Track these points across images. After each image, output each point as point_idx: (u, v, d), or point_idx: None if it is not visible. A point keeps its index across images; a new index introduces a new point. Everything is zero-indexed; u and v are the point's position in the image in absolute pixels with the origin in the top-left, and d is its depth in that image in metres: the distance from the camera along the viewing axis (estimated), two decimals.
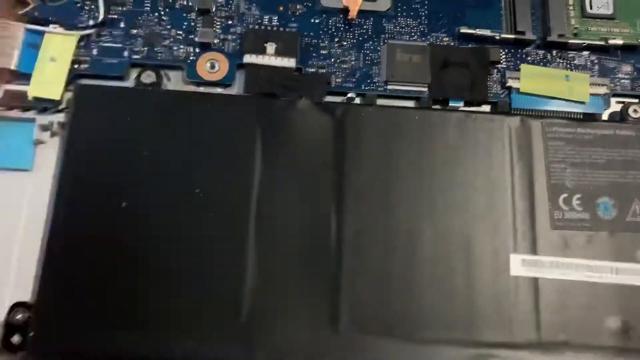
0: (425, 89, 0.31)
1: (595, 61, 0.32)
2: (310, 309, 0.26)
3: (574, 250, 0.28)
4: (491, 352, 0.26)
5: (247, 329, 0.26)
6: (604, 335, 0.27)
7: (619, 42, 0.31)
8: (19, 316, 0.26)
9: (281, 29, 0.31)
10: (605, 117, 0.31)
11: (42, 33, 0.30)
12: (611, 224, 0.29)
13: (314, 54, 0.31)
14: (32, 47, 0.30)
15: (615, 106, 0.31)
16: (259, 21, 0.31)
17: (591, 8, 0.32)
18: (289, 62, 0.30)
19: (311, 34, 0.31)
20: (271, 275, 0.27)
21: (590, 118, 0.31)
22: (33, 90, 0.29)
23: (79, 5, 0.31)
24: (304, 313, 0.26)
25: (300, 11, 0.31)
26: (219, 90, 0.30)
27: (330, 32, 0.31)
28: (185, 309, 0.26)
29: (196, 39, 0.30)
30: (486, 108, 0.31)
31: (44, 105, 0.29)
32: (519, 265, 0.28)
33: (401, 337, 0.26)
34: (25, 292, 0.27)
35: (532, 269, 0.28)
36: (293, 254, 0.27)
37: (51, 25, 0.30)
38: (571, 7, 0.32)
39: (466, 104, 0.31)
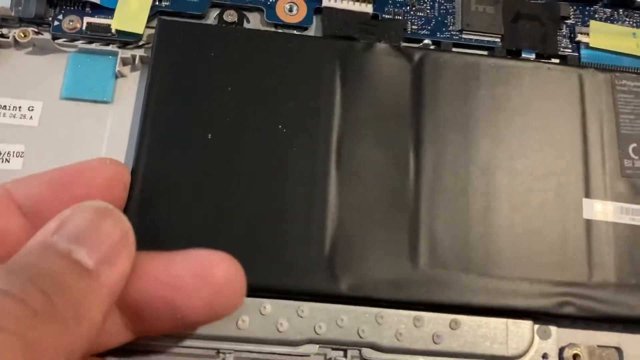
0: (499, 40, 0.31)
1: None
2: (391, 244, 0.27)
3: None
4: (563, 289, 0.27)
5: (330, 260, 0.26)
6: None
7: None
8: None
9: None
10: None
11: None
12: None
13: (390, 1, 0.31)
14: None
15: None
16: None
17: None
18: (367, 8, 0.31)
19: None
20: (352, 211, 0.27)
21: None
22: (116, 23, 0.29)
23: None
24: (385, 248, 0.27)
25: None
26: (295, 32, 0.31)
27: None
28: (269, 240, 0.26)
29: None
30: (556, 61, 0.32)
31: (126, 39, 0.29)
32: (590, 209, 0.28)
33: (477, 273, 0.27)
34: None
35: (603, 213, 0.28)
36: (373, 191, 0.28)
37: None
38: None
39: (537, 57, 0.31)
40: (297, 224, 0.27)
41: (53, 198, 0.20)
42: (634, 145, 0.30)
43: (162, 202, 0.27)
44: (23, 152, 0.28)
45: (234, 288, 0.20)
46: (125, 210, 0.26)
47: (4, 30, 0.29)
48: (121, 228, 0.19)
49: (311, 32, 0.31)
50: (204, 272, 0.19)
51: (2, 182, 0.21)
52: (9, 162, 0.28)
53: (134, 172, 0.27)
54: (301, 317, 0.26)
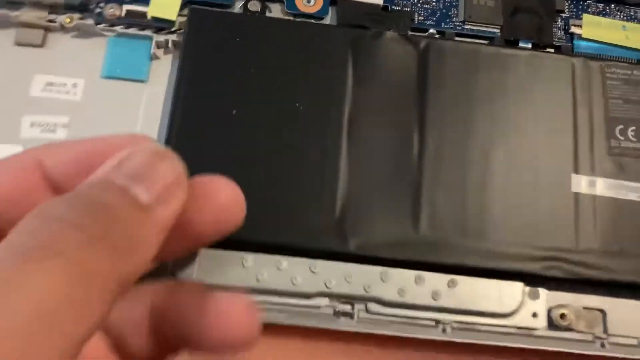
0: (498, 31, 0.34)
1: None
2: (395, 210, 0.30)
3: (628, 174, 0.32)
4: (552, 254, 0.30)
5: (340, 223, 0.29)
6: None
7: None
8: None
9: None
10: None
11: None
12: None
13: None
14: None
15: None
16: None
17: None
18: (377, 0, 0.34)
19: None
20: (361, 180, 0.30)
21: None
22: (152, 10, 0.33)
23: None
24: (389, 213, 0.30)
25: None
26: (312, 22, 0.34)
27: None
28: (287, 204, 0.30)
29: None
30: (551, 51, 0.34)
31: (160, 25, 0.33)
32: (578, 183, 0.31)
33: (473, 237, 0.30)
34: None
35: (590, 187, 0.31)
36: (380, 162, 0.31)
37: None
38: None
39: (533, 46, 0.34)
40: (311, 191, 0.30)
41: (83, 174, 0.20)
42: (621, 127, 0.32)
43: (192, 171, 0.30)
44: (68, 124, 0.32)
45: (236, 205, 0.23)
46: None
47: (52, 16, 0.33)
48: (176, 170, 0.20)
49: (327, 21, 0.34)
50: (211, 193, 0.22)
51: (34, 148, 0.21)
52: (54, 132, 0.31)
53: (166, 143, 0.30)
54: (314, 272, 0.29)
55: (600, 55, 0.34)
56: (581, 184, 0.31)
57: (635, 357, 0.30)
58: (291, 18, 0.34)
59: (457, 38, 0.34)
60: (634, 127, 0.32)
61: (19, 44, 0.33)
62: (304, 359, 0.30)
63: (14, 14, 0.32)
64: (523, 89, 0.32)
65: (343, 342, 0.31)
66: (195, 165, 0.30)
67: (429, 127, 0.31)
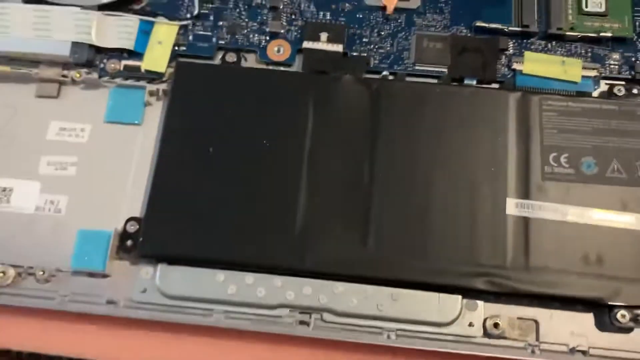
0: (446, 70, 0.38)
1: (589, 50, 0.39)
2: (347, 232, 0.35)
3: (560, 197, 0.35)
4: (487, 270, 0.34)
5: (299, 244, 0.34)
6: (578, 263, 0.34)
7: (609, 34, 0.38)
8: (131, 227, 0.36)
9: (332, 21, 0.39)
10: (595, 95, 0.38)
11: (152, 23, 0.40)
12: (593, 179, 0.35)
13: (357, 42, 0.39)
14: (144, 33, 0.39)
15: (604, 87, 0.38)
16: (316, 16, 0.40)
17: (586, 6, 0.39)
18: (338, 47, 0.39)
19: (356, 26, 0.39)
20: (317, 206, 0.35)
21: (582, 95, 0.38)
22: (145, 64, 0.39)
23: (179, 2, 0.40)
24: (341, 235, 0.34)
25: (348, 8, 0.40)
26: (282, 69, 0.39)
27: (371, 24, 0.40)
28: (254, 228, 0.35)
29: (267, 29, 0.39)
30: (495, 86, 0.38)
31: (152, 77, 0.39)
32: (513, 206, 0.35)
33: (416, 255, 0.34)
34: (136, 210, 0.36)
35: (523, 210, 0.35)
36: (335, 190, 0.35)
37: (159, 17, 0.40)
38: (569, 5, 0.39)
39: (478, 83, 0.38)
40: (275, 216, 0.35)
41: None
42: (554, 154, 0.36)
43: (175, 199, 0.36)
44: (76, 162, 0.38)
45: None
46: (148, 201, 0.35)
47: (65, 72, 0.39)
48: None
49: (295, 67, 0.39)
50: None
51: None
52: (66, 169, 0.38)
53: (155, 175, 0.36)
54: (276, 287, 0.34)
55: (540, 88, 0.38)
56: (515, 207, 0.35)
57: None
58: (264, 66, 0.39)
59: (408, 78, 0.38)
60: (566, 155, 0.36)
61: (39, 96, 0.39)
62: None
63: (34, 71, 0.39)
64: (466, 121, 0.36)
65: (307, 347, 0.35)
66: (177, 194, 0.36)
67: (378, 158, 0.36)
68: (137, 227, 0.35)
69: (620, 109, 0.37)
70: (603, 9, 0.39)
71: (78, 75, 0.39)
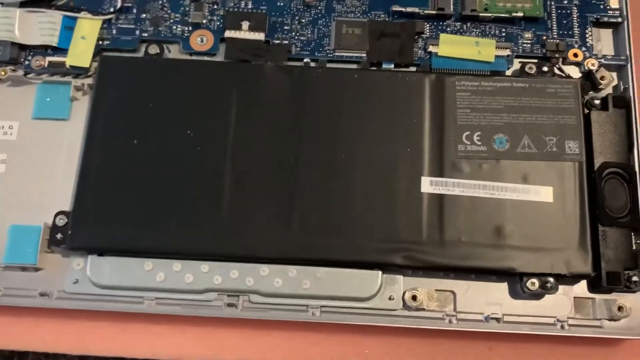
0: (364, 55, 0.39)
1: (502, 30, 0.40)
2: (272, 217, 0.36)
3: (473, 174, 0.36)
4: (405, 246, 0.35)
5: (224, 230, 0.35)
6: (490, 236, 0.35)
7: (521, 14, 0.40)
8: (60, 221, 0.36)
9: (254, 10, 0.40)
10: (509, 73, 0.39)
11: (75, 18, 0.40)
12: (504, 154, 0.37)
13: (279, 30, 0.40)
14: (68, 29, 0.40)
15: (518, 66, 0.40)
16: (237, 5, 0.40)
17: None
18: (259, 36, 0.40)
19: (277, 14, 0.40)
20: (242, 192, 0.36)
21: (496, 74, 0.39)
22: (69, 60, 0.39)
23: None
24: (267, 219, 0.36)
25: None
26: (206, 58, 0.40)
27: (292, 12, 0.40)
28: (180, 215, 0.36)
29: (189, 20, 0.40)
30: (412, 69, 0.39)
31: (78, 72, 0.39)
32: (428, 184, 0.36)
33: (336, 234, 0.35)
34: (66, 204, 0.37)
35: (437, 187, 0.36)
36: (259, 176, 0.36)
37: (82, 12, 0.40)
38: None
39: (396, 66, 0.39)
40: (200, 205, 0.36)
41: None
42: (467, 133, 0.37)
43: (103, 193, 0.36)
44: (5, 159, 0.38)
45: None
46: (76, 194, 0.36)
47: None
48: None
49: (218, 57, 0.40)
50: None
51: None
52: None
53: (81, 169, 0.36)
54: (203, 272, 0.35)
55: (456, 70, 0.39)
56: (430, 184, 0.36)
57: (479, 329, 0.35)
58: (187, 57, 0.40)
59: (328, 64, 0.40)
60: (479, 133, 0.37)
61: None
62: (205, 344, 0.36)
63: None
64: (384, 105, 0.38)
65: (237, 328, 0.37)
66: (104, 187, 0.37)
67: (301, 144, 0.37)
68: (66, 220, 0.36)
69: (531, 86, 0.38)
70: None
71: (3, 72, 0.39)
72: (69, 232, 0.36)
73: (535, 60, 0.40)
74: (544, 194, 0.36)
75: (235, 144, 0.37)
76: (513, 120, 0.38)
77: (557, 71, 0.39)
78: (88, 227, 0.36)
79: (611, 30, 0.41)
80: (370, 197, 0.36)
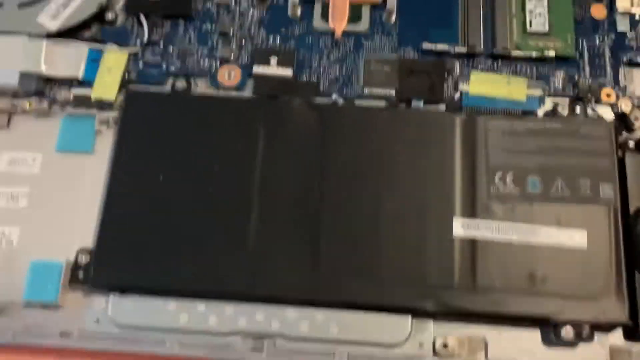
0: (394, 92, 0.39)
1: (534, 69, 0.39)
2: (298, 258, 0.35)
3: (506, 216, 0.36)
4: (435, 290, 0.34)
5: (250, 269, 0.34)
6: (524, 281, 0.34)
7: (552, 53, 0.39)
8: (82, 258, 0.36)
9: (282, 46, 0.40)
10: (540, 113, 0.39)
11: (101, 51, 0.40)
12: (537, 197, 0.36)
13: (307, 66, 0.40)
14: (94, 61, 0.39)
15: (550, 105, 0.39)
16: (266, 40, 0.40)
17: (530, 26, 0.40)
18: (288, 72, 0.39)
19: (306, 50, 0.40)
20: (268, 231, 0.35)
21: (527, 114, 0.38)
22: (95, 93, 0.39)
23: (129, 29, 0.40)
24: (293, 260, 0.35)
25: (297, 32, 0.40)
26: (233, 93, 0.39)
27: (320, 48, 0.40)
28: (205, 254, 0.35)
29: (217, 55, 0.40)
30: (442, 107, 0.39)
31: (103, 105, 0.39)
32: (459, 227, 0.35)
33: (365, 277, 0.34)
34: (88, 240, 0.36)
35: (470, 230, 0.35)
36: (285, 215, 0.36)
37: (109, 44, 0.40)
38: (514, 25, 0.40)
39: (425, 104, 0.39)
40: (225, 243, 0.35)
41: None
42: (500, 174, 0.36)
43: (127, 228, 0.36)
44: (28, 193, 0.38)
45: None
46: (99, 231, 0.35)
47: (15, 102, 0.39)
48: None
49: (246, 92, 0.39)
50: None
51: None
52: (17, 201, 0.38)
53: (105, 205, 0.36)
54: (227, 314, 0.34)
55: (487, 108, 0.38)
56: (461, 227, 0.35)
57: None
58: (215, 91, 0.39)
59: (357, 101, 0.39)
60: (512, 174, 0.36)
61: None
62: None
63: None
64: (413, 144, 0.37)
65: None
66: (127, 224, 0.36)
67: (328, 182, 0.36)
68: (89, 257, 0.35)
69: (563, 128, 0.37)
70: (546, 29, 0.40)
71: (28, 104, 0.39)
72: (91, 269, 0.35)
73: (568, 101, 0.39)
74: (578, 238, 0.35)
75: (262, 181, 0.36)
76: (546, 162, 0.37)
77: (590, 112, 0.39)
78: (111, 265, 0.35)
79: None
80: (399, 239, 0.35)
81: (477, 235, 0.35)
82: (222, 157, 0.37)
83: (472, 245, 0.35)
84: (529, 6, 0.40)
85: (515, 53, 0.39)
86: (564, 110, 0.38)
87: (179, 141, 0.37)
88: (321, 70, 0.40)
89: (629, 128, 0.38)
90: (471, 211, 0.36)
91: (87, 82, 0.39)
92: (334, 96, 0.39)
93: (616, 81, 0.39)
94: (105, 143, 0.39)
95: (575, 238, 0.35)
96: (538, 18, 0.40)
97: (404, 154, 0.37)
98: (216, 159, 0.37)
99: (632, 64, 0.40)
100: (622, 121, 0.39)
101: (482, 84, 0.39)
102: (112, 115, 0.39)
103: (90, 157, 0.38)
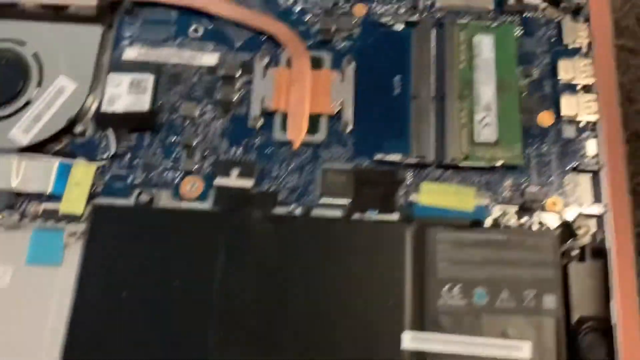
0: (349, 202, 0.41)
1: (483, 177, 0.41)
2: None
3: (453, 328, 0.37)
4: None
5: None
6: None
7: (500, 163, 0.41)
8: None
9: (244, 157, 0.42)
10: (488, 222, 0.40)
11: (70, 164, 0.42)
12: (484, 309, 0.38)
13: (267, 176, 0.41)
14: (64, 174, 0.41)
15: (498, 213, 0.41)
16: (227, 152, 0.42)
17: (479, 137, 0.42)
18: (248, 183, 0.41)
19: (265, 161, 0.42)
20: (227, 342, 0.37)
21: (475, 224, 0.40)
22: (63, 207, 0.40)
23: (97, 142, 0.42)
24: None
25: (258, 143, 0.42)
26: (196, 204, 0.41)
27: (279, 159, 0.42)
28: None
29: (181, 167, 0.42)
30: (395, 216, 0.41)
31: (70, 218, 0.41)
32: (408, 340, 0.37)
33: None
34: (55, 354, 0.37)
35: (419, 343, 0.37)
36: (244, 328, 0.37)
37: (77, 158, 0.42)
38: (463, 136, 0.42)
39: (380, 213, 0.40)
40: (189, 356, 0.37)
41: None
42: (448, 286, 0.38)
43: (92, 340, 0.37)
44: None
45: None
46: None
47: None
48: None
49: (208, 203, 0.41)
50: None
51: None
52: None
53: (71, 320, 0.37)
54: None
55: (436, 218, 0.40)
56: (410, 340, 0.37)
57: None
58: (178, 203, 0.41)
59: (315, 210, 0.41)
60: (460, 285, 0.38)
61: None
62: None
63: None
64: (365, 255, 0.39)
65: None
66: (93, 338, 0.37)
67: (287, 293, 0.38)
68: None
69: (509, 239, 0.39)
70: (495, 139, 0.42)
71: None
72: None
73: (515, 210, 0.41)
74: (524, 349, 0.37)
75: (221, 294, 0.38)
76: (492, 274, 0.38)
77: (536, 221, 0.40)
78: None
79: (590, 176, 0.42)
80: (351, 349, 0.37)
81: (426, 348, 0.37)
82: (183, 270, 0.39)
83: (421, 358, 0.37)
84: (477, 116, 0.42)
85: (464, 163, 0.41)
86: (510, 220, 0.40)
87: (143, 254, 0.39)
88: (280, 180, 0.42)
89: (574, 236, 0.40)
90: (420, 324, 0.37)
91: (56, 196, 0.41)
92: (292, 206, 0.41)
93: (562, 189, 0.41)
94: (74, 255, 0.40)
95: (521, 349, 0.37)
96: (487, 128, 0.42)
97: (357, 265, 0.39)
98: (177, 273, 0.38)
99: (577, 170, 0.42)
100: (568, 229, 0.40)
101: (432, 195, 0.41)
102: (80, 228, 0.41)
103: (58, 270, 0.40)
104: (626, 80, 0.51)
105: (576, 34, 0.45)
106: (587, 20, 0.45)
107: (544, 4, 0.46)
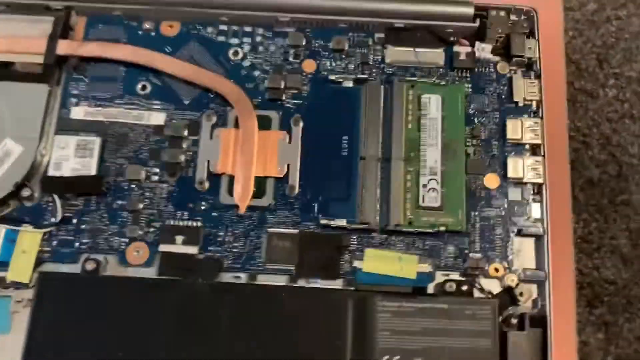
0: (293, 268, 0.41)
1: (427, 243, 0.42)
2: None
3: None
4: None
5: None
6: None
7: (443, 229, 0.41)
8: None
9: (189, 223, 0.42)
10: (431, 289, 0.41)
11: (17, 231, 0.42)
12: None
13: (213, 241, 0.42)
14: (10, 241, 0.42)
15: (440, 279, 0.41)
16: (173, 217, 0.42)
17: (423, 201, 0.42)
18: (193, 249, 0.41)
19: (211, 225, 0.42)
20: None
21: (419, 290, 0.40)
22: (10, 275, 0.41)
23: (44, 207, 0.42)
24: None
25: (203, 207, 0.42)
26: (142, 270, 0.41)
27: (225, 223, 0.42)
28: None
29: (127, 233, 0.42)
30: (339, 282, 0.41)
31: (18, 285, 0.41)
32: None
33: None
34: None
35: None
36: None
37: (23, 225, 0.42)
38: (408, 201, 0.42)
39: (324, 279, 0.41)
40: None
41: None
42: (387, 357, 0.39)
43: None
44: None
45: None
46: None
47: None
48: None
49: (153, 269, 0.41)
50: None
51: None
52: None
53: None
54: None
55: (379, 285, 0.40)
56: None
57: None
58: (124, 269, 0.42)
59: (260, 276, 0.41)
60: (398, 357, 0.39)
61: None
62: None
63: None
64: (308, 322, 0.39)
65: None
66: None
67: (232, 358, 0.39)
68: None
69: (449, 308, 0.40)
70: (438, 204, 0.42)
71: None
72: None
73: (456, 277, 0.41)
74: None
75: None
76: (431, 344, 0.39)
77: (477, 287, 0.41)
78: None
79: (533, 239, 0.43)
80: None
81: None
82: (128, 338, 0.39)
83: None
84: (422, 181, 0.42)
85: (408, 229, 0.41)
86: (451, 289, 0.41)
87: (90, 321, 0.40)
88: (226, 245, 0.42)
89: (515, 302, 0.41)
90: None
91: (3, 263, 0.41)
92: (237, 273, 0.41)
93: (504, 255, 0.42)
94: (22, 322, 0.41)
95: None
96: (431, 193, 0.42)
97: (300, 333, 0.39)
98: (122, 340, 0.39)
99: (521, 234, 0.42)
100: (509, 294, 0.41)
101: (376, 261, 0.41)
102: (28, 295, 0.41)
103: (7, 338, 0.41)
104: (583, 125, 0.50)
105: (527, 91, 0.45)
106: (538, 76, 0.45)
107: (497, 58, 0.46)
